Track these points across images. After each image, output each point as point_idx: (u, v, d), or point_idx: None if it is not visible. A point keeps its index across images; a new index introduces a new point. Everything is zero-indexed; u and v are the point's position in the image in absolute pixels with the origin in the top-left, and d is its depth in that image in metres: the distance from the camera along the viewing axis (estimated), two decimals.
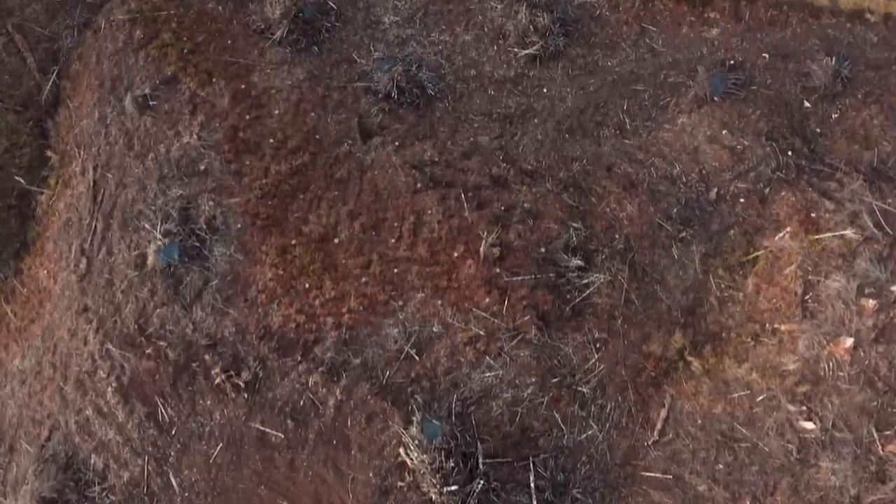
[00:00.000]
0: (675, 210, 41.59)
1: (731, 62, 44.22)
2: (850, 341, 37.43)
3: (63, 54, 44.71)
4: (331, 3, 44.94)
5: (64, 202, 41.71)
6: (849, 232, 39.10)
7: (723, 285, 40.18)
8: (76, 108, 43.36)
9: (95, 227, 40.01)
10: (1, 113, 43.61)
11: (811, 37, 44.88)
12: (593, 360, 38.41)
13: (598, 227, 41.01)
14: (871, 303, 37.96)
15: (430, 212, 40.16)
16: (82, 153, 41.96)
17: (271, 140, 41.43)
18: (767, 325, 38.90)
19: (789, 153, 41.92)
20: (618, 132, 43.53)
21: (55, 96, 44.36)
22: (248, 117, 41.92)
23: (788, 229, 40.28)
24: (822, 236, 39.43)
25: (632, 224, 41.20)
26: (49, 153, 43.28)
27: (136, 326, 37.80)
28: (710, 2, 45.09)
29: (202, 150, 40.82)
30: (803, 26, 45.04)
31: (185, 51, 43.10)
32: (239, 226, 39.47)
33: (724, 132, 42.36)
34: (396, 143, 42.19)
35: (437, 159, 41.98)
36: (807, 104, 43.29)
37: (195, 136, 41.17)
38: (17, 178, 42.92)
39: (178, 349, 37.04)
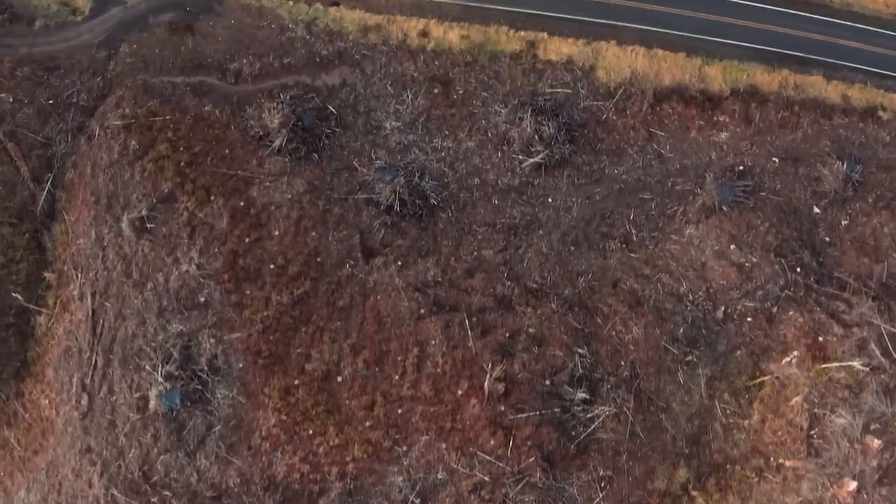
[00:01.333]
0: (681, 330, 41.28)
1: (741, 167, 43.44)
2: (853, 485, 37.48)
3: (57, 160, 43.77)
4: (330, 108, 43.84)
5: (63, 327, 41.28)
6: (856, 363, 38.81)
7: (728, 411, 40.08)
8: (72, 224, 42.58)
9: (96, 361, 39.69)
10: None
11: (823, 138, 43.94)
12: (598, 500, 38.54)
13: (603, 353, 40.74)
14: (876, 442, 37.89)
15: (433, 342, 39.80)
16: (80, 276, 41.36)
17: (272, 266, 40.83)
18: (772, 458, 38.89)
19: (798, 269, 41.37)
20: (624, 245, 42.92)
21: (50, 206, 43.69)
22: (247, 240, 41.22)
23: (795, 353, 39.97)
24: (829, 366, 39.11)
25: (638, 348, 40.92)
26: (46, 274, 42.66)
27: (140, 473, 37.79)
28: (720, 105, 44.05)
29: (202, 279, 40.27)
30: (815, 127, 44.05)
31: (183, 163, 42.17)
32: (241, 365, 39.17)
33: (732, 247, 41.71)
34: (399, 263, 41.63)
35: (440, 279, 41.48)
36: (816, 210, 42.56)
37: (194, 265, 40.61)
38: (14, 294, 42.47)
39: (183, 499, 37.12)
